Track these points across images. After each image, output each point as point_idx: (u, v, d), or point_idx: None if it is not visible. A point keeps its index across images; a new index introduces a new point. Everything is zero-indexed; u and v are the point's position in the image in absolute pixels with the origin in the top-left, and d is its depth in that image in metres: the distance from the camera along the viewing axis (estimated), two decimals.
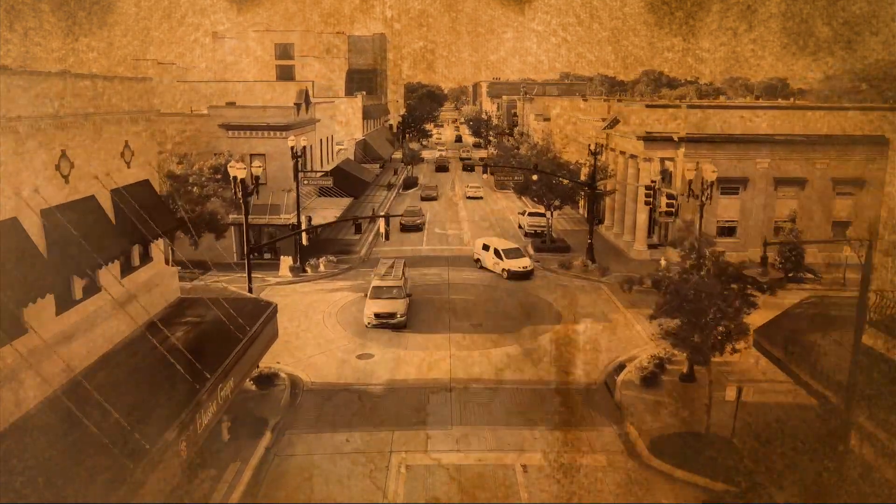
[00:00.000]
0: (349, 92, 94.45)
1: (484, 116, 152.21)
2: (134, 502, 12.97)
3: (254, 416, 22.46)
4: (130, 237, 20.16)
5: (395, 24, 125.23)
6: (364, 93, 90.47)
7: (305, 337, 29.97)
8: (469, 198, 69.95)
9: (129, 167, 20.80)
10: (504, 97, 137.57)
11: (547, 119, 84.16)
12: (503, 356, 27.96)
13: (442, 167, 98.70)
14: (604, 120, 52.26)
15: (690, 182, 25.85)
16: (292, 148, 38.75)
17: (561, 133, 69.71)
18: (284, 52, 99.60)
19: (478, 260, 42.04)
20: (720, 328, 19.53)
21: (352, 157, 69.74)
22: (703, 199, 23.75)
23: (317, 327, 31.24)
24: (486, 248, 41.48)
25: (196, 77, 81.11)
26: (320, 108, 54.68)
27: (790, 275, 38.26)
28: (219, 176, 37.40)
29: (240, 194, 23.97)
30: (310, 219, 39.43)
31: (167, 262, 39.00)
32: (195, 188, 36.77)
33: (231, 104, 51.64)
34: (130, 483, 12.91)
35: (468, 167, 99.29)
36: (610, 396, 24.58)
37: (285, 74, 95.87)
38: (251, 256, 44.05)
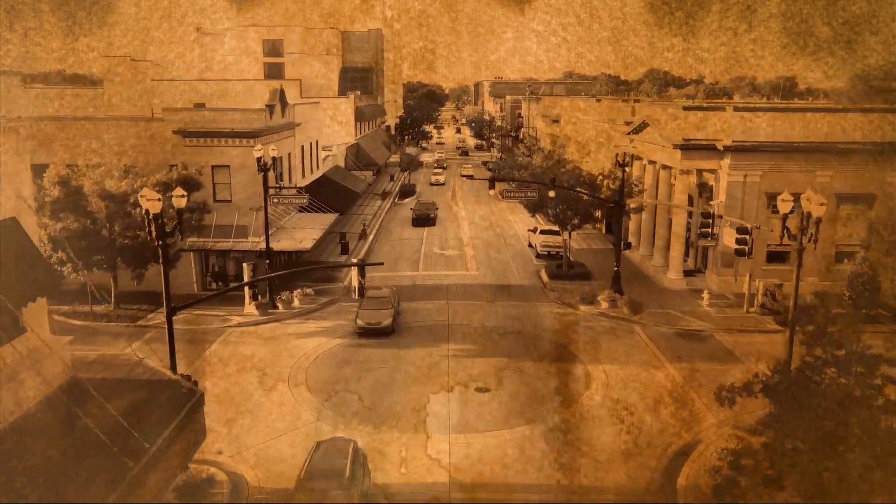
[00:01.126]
0: (343, 91, 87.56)
1: (486, 117, 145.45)
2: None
3: None
4: None
5: (395, 24, 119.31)
6: (358, 92, 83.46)
7: (262, 410, 23.10)
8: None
9: None
10: (508, 97, 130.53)
11: (556, 121, 77.21)
12: (518, 443, 21.15)
13: (424, 217, 55.02)
14: (628, 124, 45.39)
15: (785, 217, 19.00)
16: (259, 159, 31.93)
17: (575, 139, 62.85)
18: (273, 48, 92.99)
19: None
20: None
21: (342, 164, 62.91)
22: (807, 241, 17.04)
23: (278, 394, 24.34)
24: None
25: (180, 76, 75.07)
26: (305, 110, 47.83)
27: (864, 312, 31.61)
28: (170, 194, 30.62)
29: (154, 234, 17.20)
30: (261, 252, 32.93)
31: (102, 317, 32.15)
32: (137, 209, 29.99)
33: (200, 105, 44.96)
34: None
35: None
36: None
37: (274, 72, 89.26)
38: (215, 285, 37.95)
